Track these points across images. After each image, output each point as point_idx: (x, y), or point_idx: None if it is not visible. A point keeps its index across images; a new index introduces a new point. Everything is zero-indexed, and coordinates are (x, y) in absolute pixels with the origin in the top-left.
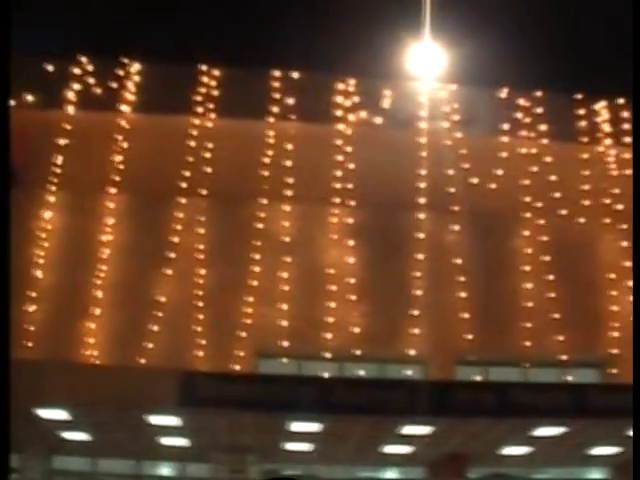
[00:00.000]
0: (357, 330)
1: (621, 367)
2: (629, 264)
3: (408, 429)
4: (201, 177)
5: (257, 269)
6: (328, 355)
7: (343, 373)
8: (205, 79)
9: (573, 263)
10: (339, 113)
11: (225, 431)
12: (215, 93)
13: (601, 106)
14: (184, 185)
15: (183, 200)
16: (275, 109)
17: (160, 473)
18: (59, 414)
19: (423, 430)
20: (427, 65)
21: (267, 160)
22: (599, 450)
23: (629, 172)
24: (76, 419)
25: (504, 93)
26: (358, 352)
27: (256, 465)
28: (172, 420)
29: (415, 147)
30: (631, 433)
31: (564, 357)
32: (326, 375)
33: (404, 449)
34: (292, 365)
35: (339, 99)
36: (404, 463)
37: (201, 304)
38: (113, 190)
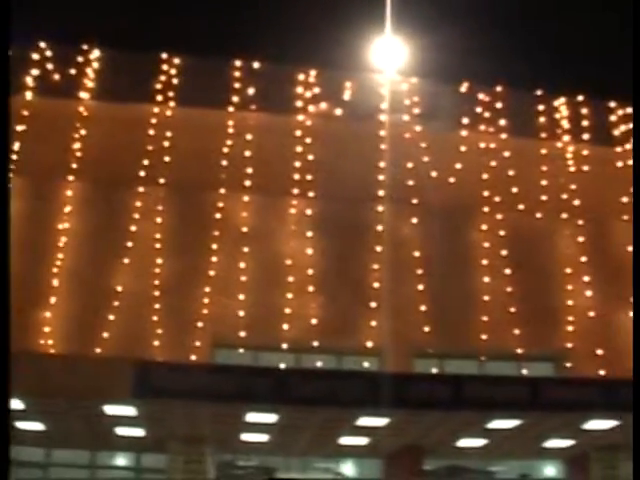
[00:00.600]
0: (315, 321)
1: (576, 361)
2: (585, 259)
3: (365, 421)
4: (160, 166)
5: (215, 259)
6: (285, 346)
7: (300, 364)
8: (165, 67)
9: (530, 257)
10: (300, 104)
11: (181, 421)
12: (175, 81)
13: (561, 102)
14: (143, 174)
15: (141, 189)
16: (236, 99)
17: (115, 463)
18: (13, 403)
19: (380, 422)
20: (389, 58)
21: (226, 150)
22: (553, 443)
23: (587, 168)
24: (30, 409)
25: (465, 87)
26: (316, 343)
27: (212, 455)
28: (128, 410)
29: (375, 140)
30: (585, 426)
31: (520, 350)
32: (283, 366)
33: (361, 440)
34: (249, 356)
35: (300, 90)
36: (360, 454)
37: (158, 293)
38: (71, 177)
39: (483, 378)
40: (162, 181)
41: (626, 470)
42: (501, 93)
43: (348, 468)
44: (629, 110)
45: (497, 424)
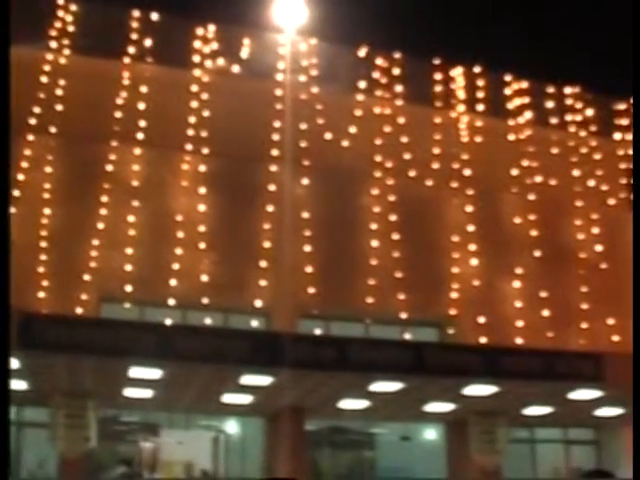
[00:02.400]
0: (204, 278)
1: (458, 327)
2: (473, 228)
3: (249, 379)
4: (52, 115)
5: (104, 212)
6: (172, 302)
7: (187, 321)
8: (61, 13)
9: (419, 224)
10: (197, 59)
11: (64, 375)
12: (71, 29)
13: (458, 73)
14: (33, 122)
15: (31, 137)
16: (132, 50)
17: None
18: None
19: (264, 381)
20: (289, 17)
21: (120, 101)
22: (434, 407)
23: (479, 139)
24: None
25: (363, 52)
26: (204, 300)
27: (95, 410)
28: (11, 362)
29: (271, 99)
30: (465, 392)
31: (404, 315)
32: (169, 322)
33: (244, 399)
34: (135, 311)
35: (198, 45)
36: (244, 413)
37: (45, 245)
38: None
39: (367, 341)
40: (53, 130)
41: (502, 435)
42: (399, 60)
43: (231, 426)
44: (524, 84)
45: (379, 387)
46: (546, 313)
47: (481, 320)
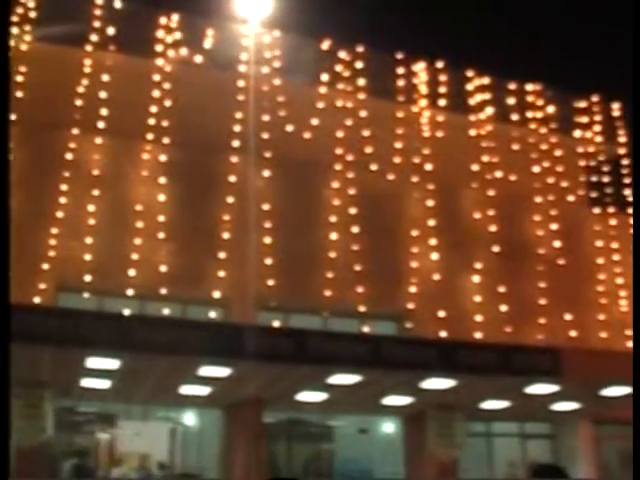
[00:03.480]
0: (162, 269)
1: (417, 321)
2: (433, 223)
3: (207, 370)
4: (12, 102)
5: (64, 200)
6: (131, 292)
7: (145, 311)
8: None
9: (379, 218)
10: (160, 48)
11: (21, 365)
12: (33, 15)
13: (420, 68)
14: None
15: None
16: (95, 38)
17: None
18: None
19: (222, 372)
20: (253, 9)
21: (82, 89)
22: (392, 400)
23: (441, 134)
24: None
25: (326, 45)
26: (162, 291)
27: (52, 401)
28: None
29: (234, 90)
30: (423, 385)
31: (363, 309)
32: (127, 312)
33: (202, 390)
34: (94, 300)
35: (161, 34)
36: (202, 404)
37: None
38: None
39: (325, 334)
40: (13, 117)
41: (460, 429)
42: (362, 53)
43: (189, 418)
44: (485, 80)
45: (338, 379)
46: (504, 308)
47: (440, 314)
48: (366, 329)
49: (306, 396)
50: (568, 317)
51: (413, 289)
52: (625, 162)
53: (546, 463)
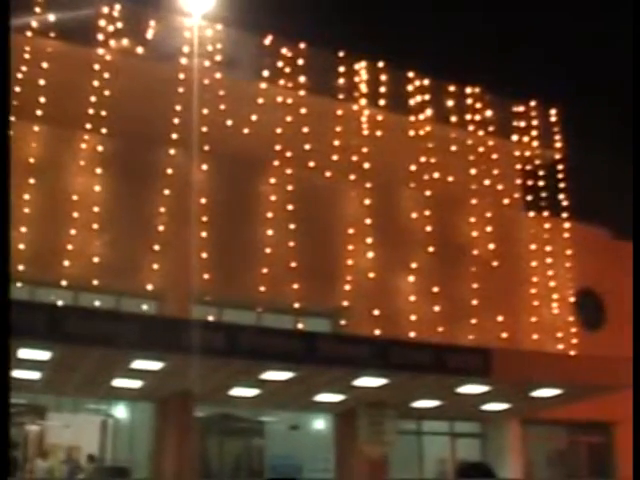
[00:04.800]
0: (97, 260)
1: (351, 319)
2: (370, 221)
3: (140, 364)
4: None
5: None
6: (65, 283)
7: (78, 302)
8: None
9: (316, 215)
10: (101, 37)
11: None
12: None
13: (361, 66)
14: None
15: None
16: (35, 24)
17: None
18: None
19: (154, 366)
20: (196, 2)
21: (20, 76)
22: (325, 397)
23: (380, 133)
24: None
25: (268, 40)
26: (95, 282)
27: None
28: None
29: (174, 82)
30: (356, 383)
31: (298, 305)
32: (60, 303)
33: (134, 384)
34: (26, 290)
35: (102, 23)
36: (133, 397)
37: None
38: None
39: (259, 329)
40: None
41: (390, 426)
42: (304, 50)
43: (120, 410)
44: (426, 82)
45: (270, 375)
46: (438, 308)
47: (375, 312)
48: (300, 326)
49: (238, 391)
50: (500, 318)
51: (348, 287)
52: (560, 167)
53: (473, 461)
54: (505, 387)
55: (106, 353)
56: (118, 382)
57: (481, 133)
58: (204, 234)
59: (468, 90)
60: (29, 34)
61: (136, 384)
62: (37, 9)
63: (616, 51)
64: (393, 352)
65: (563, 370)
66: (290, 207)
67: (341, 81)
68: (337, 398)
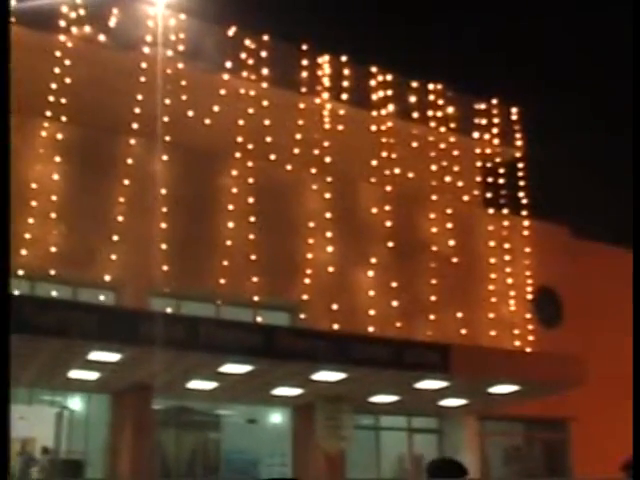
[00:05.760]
0: (54, 249)
1: (310, 313)
2: (330, 215)
3: (97, 355)
4: None
5: None
6: (21, 272)
7: (35, 292)
8: None
9: (277, 208)
10: (63, 24)
11: None
12: None
13: (324, 60)
14: None
15: None
16: None
17: None
18: None
19: (111, 357)
20: None
21: None
22: (282, 391)
23: (342, 128)
24: None
25: (232, 31)
26: (52, 272)
27: None
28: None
29: (136, 71)
30: (314, 377)
31: (257, 298)
32: (17, 293)
33: (91, 375)
34: None
35: (65, 9)
36: (89, 389)
37: None
38: None
39: (218, 322)
40: None
41: (348, 421)
42: (267, 42)
43: (76, 403)
44: (389, 77)
45: (229, 368)
46: (397, 303)
47: (334, 307)
48: (259, 319)
49: (196, 384)
50: (459, 314)
51: (308, 280)
52: (520, 165)
53: (444, 458)
54: (463, 383)
55: (63, 344)
56: (74, 373)
57: (443, 130)
58: (164, 225)
59: (430, 86)
60: None
61: (93, 376)
62: None
63: (579, 51)
64: (352, 347)
65: (520, 367)
66: (251, 200)
67: (304, 74)
68: (295, 392)
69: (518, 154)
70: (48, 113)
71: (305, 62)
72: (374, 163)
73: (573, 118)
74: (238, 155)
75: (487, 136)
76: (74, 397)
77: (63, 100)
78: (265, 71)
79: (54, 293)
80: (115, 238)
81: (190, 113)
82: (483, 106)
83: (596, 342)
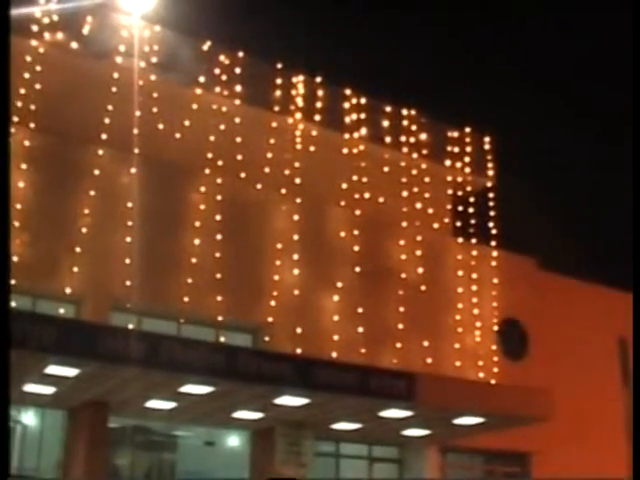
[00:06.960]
0: (15, 259)
1: (274, 336)
2: (297, 237)
3: (53, 369)
4: None
5: None
6: None
7: None
8: None
9: (244, 227)
10: (35, 29)
11: None
12: None
13: (298, 80)
14: None
15: None
16: None
17: None
18: None
19: (69, 372)
20: (135, 0)
21: None
22: (243, 414)
23: (313, 149)
24: None
25: (207, 46)
26: (12, 282)
27: None
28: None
29: (107, 81)
30: (276, 401)
31: (220, 318)
32: None
33: (47, 390)
34: None
35: (37, 15)
36: (44, 404)
37: None
38: None
39: (180, 340)
40: None
41: (308, 447)
42: (242, 59)
43: (29, 417)
44: (362, 100)
45: (189, 389)
46: (362, 329)
47: (298, 330)
48: (222, 339)
49: (154, 403)
50: (425, 343)
51: (273, 303)
52: (491, 195)
53: None
54: (427, 413)
55: (18, 356)
56: (29, 387)
57: (415, 155)
58: (128, 239)
59: (404, 112)
60: None
61: (49, 390)
62: None
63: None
64: (316, 371)
65: (484, 399)
66: (218, 217)
67: (277, 93)
68: (256, 415)
69: (489, 183)
70: (16, 119)
71: (279, 81)
72: (344, 186)
73: (545, 148)
74: (207, 171)
75: (459, 164)
76: (28, 412)
77: (32, 106)
78: (238, 88)
79: (13, 304)
80: (78, 250)
81: (161, 126)
82: (456, 134)
83: (560, 376)
